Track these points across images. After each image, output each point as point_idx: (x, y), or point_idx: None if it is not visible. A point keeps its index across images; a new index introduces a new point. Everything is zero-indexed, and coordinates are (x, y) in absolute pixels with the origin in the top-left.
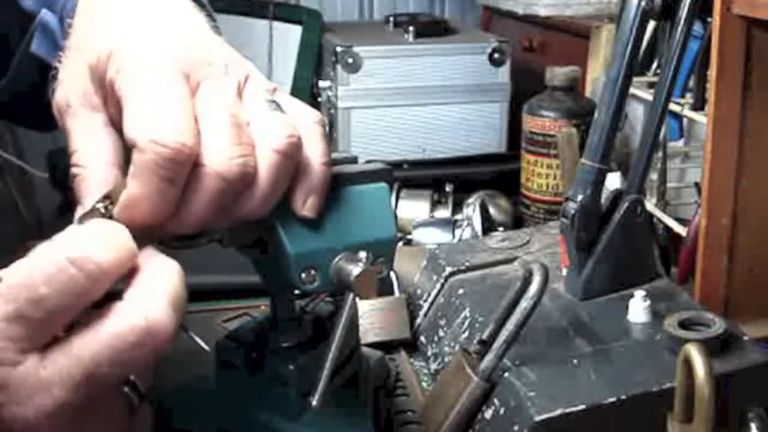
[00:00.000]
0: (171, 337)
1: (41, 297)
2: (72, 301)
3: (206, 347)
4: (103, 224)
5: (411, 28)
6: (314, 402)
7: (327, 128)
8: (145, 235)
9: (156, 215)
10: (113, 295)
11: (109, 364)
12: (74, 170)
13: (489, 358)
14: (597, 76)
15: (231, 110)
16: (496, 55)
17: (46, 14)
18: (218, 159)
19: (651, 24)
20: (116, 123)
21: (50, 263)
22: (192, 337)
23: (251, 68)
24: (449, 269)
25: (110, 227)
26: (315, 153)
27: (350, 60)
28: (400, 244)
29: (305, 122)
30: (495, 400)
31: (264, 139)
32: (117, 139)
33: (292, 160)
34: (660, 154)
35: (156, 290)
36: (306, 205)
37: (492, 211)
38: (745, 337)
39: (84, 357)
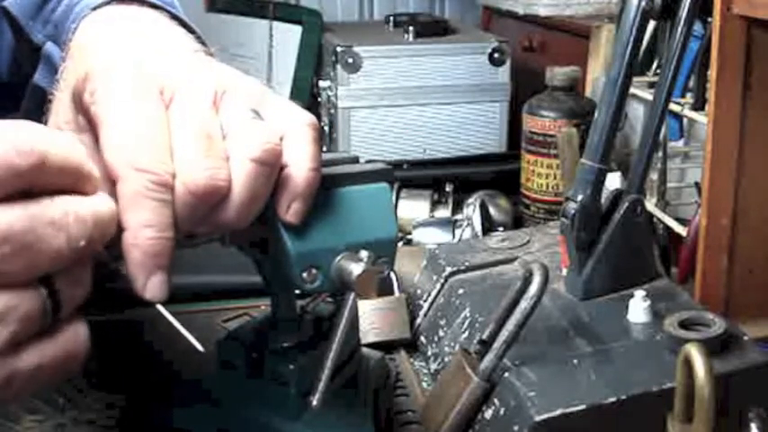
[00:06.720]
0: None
1: None
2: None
3: (201, 348)
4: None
5: (411, 28)
6: (314, 402)
7: (327, 128)
8: None
9: (167, 236)
10: None
11: None
12: None
13: (489, 358)
14: (597, 76)
15: (202, 121)
16: (496, 55)
17: (51, 47)
18: (186, 174)
19: (651, 24)
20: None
21: None
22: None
23: (232, 83)
24: (449, 269)
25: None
26: (301, 157)
27: (350, 60)
28: (400, 244)
29: (293, 126)
30: (495, 400)
31: (240, 149)
32: None
33: (271, 168)
34: (660, 154)
35: None
36: (289, 211)
37: (492, 211)
38: (745, 337)
39: None
